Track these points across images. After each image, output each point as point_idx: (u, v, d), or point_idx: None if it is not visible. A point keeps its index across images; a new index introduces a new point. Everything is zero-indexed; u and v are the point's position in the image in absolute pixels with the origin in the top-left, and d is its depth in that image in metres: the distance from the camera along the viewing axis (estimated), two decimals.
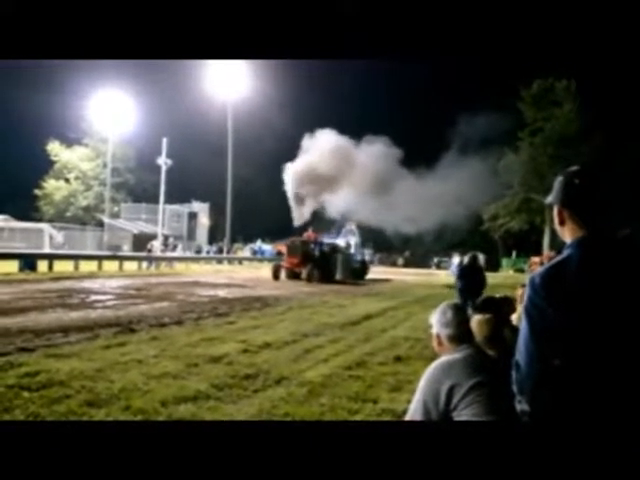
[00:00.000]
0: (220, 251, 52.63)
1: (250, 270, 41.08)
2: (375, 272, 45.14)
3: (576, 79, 43.30)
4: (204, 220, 60.12)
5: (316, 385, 7.55)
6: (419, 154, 34.85)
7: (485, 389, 3.10)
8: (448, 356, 3.35)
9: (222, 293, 20.60)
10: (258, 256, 53.39)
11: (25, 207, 54.66)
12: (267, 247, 56.72)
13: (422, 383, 3.27)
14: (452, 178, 33.03)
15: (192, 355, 8.99)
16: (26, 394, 6.31)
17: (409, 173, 34.95)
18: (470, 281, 14.00)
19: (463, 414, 3.08)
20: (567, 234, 2.16)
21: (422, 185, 34.15)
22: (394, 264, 63.84)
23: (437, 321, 3.49)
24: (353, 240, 38.55)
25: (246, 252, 56.90)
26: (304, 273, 30.05)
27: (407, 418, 3.34)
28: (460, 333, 3.42)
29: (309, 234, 34.41)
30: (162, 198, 43.69)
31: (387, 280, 35.62)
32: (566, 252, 2.10)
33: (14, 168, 58.22)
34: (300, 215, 37.32)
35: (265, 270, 35.67)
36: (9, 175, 58.22)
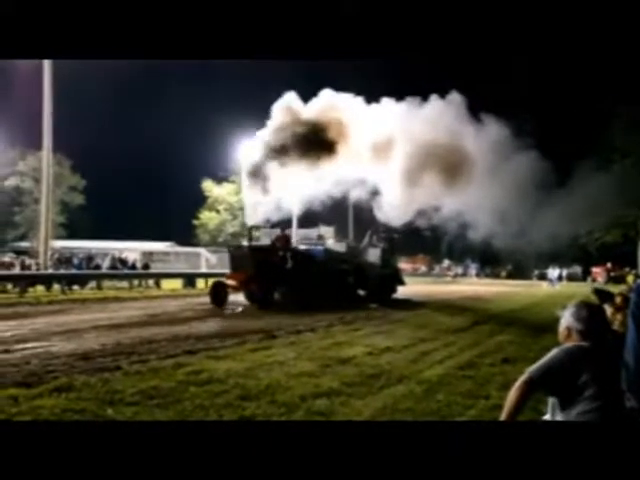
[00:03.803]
0: None
1: None
2: (479, 284, 43.81)
3: None
4: (330, 241, 60.51)
5: (433, 384, 7.45)
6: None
7: (600, 382, 2.98)
8: (579, 343, 3.22)
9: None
10: None
11: (186, 235, 57.35)
12: None
13: (554, 352, 3.15)
14: (573, 192, 25.48)
15: (325, 357, 9.10)
16: (193, 389, 6.61)
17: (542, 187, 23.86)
18: None
19: (577, 401, 2.96)
20: None
21: (546, 199, 24.01)
22: (497, 276, 61.60)
23: (571, 315, 3.36)
24: (379, 247, 23.13)
25: None
26: (257, 294, 17.94)
27: (533, 367, 3.19)
28: (590, 329, 3.30)
29: (279, 235, 20.68)
30: (295, 223, 44.56)
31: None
32: None
33: (177, 204, 61.38)
34: (254, 207, 20.92)
35: None
36: (173, 209, 61.47)
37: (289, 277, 18.49)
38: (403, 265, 58.01)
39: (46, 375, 7.25)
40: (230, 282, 18.40)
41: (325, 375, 7.75)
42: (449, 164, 22.28)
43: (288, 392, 6.65)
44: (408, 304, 20.95)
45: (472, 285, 41.20)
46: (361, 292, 21.62)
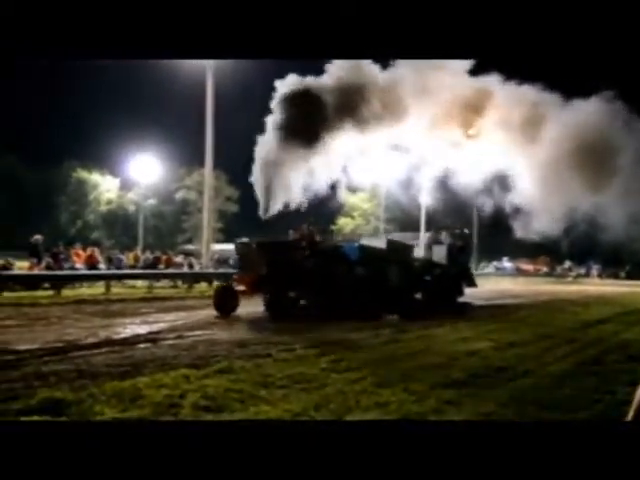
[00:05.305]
0: None
1: (492, 284, 38.91)
2: (601, 284, 40.68)
3: None
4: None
5: (558, 378, 7.07)
6: None
7: None
8: None
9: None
10: (499, 272, 49.95)
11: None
12: (508, 264, 53.68)
13: None
14: None
15: (452, 350, 8.91)
16: (334, 375, 6.73)
17: None
18: None
19: None
20: None
21: None
22: (616, 277, 56.47)
23: None
24: (445, 244, 18.13)
25: (490, 269, 54.11)
26: (268, 299, 13.46)
27: None
28: None
29: (302, 230, 15.17)
30: (423, 227, 44.05)
31: None
32: None
33: (317, 211, 63.07)
34: (267, 199, 15.52)
35: (505, 283, 33.66)
36: (314, 216, 63.25)
37: (311, 279, 13.78)
38: (525, 266, 55.28)
39: (210, 359, 7.69)
40: (237, 286, 14.12)
41: (452, 367, 7.57)
42: (596, 163, 18.42)
43: (418, 382, 6.56)
44: (530, 302, 19.93)
45: (594, 285, 38.34)
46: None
